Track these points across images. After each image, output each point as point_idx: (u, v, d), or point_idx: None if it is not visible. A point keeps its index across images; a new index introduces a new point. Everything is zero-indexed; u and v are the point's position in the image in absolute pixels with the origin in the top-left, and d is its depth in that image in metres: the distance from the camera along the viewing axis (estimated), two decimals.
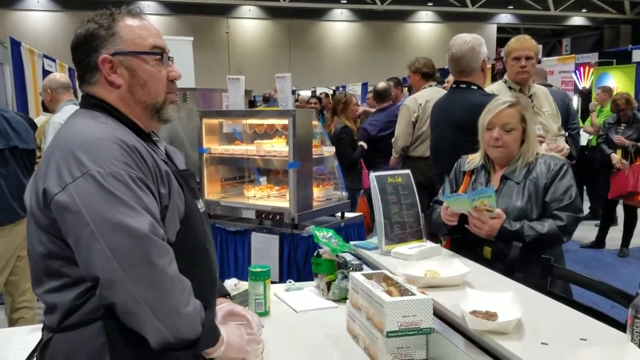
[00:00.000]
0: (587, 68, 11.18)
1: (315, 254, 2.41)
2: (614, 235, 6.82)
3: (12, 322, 3.62)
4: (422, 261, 2.18)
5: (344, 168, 4.55)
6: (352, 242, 2.55)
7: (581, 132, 7.90)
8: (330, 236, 2.39)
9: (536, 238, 2.33)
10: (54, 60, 8.46)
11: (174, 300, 1.35)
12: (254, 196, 3.98)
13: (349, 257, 2.31)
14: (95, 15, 1.49)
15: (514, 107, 2.47)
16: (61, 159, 1.35)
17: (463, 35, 3.36)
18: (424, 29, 25.92)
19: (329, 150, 4.09)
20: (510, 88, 3.54)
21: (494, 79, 9.66)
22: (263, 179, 4.23)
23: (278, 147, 3.78)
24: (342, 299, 2.20)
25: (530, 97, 3.55)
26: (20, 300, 3.66)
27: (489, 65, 11.09)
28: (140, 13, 1.55)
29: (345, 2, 24.00)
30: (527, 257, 2.32)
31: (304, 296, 2.33)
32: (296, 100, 9.86)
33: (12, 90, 6.63)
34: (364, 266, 2.26)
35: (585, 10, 24.90)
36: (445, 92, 4.46)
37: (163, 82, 1.53)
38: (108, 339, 1.37)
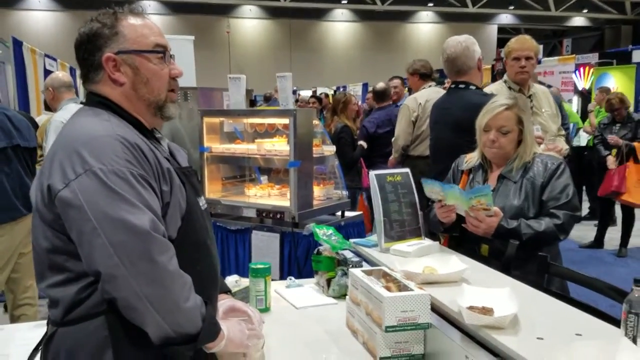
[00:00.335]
0: (587, 68, 11.20)
1: (315, 251, 2.44)
2: (613, 235, 6.83)
3: (14, 319, 3.65)
4: (421, 258, 2.20)
5: (344, 167, 4.58)
6: (351, 240, 2.57)
7: (580, 132, 7.94)
8: (331, 234, 2.42)
9: (533, 236, 2.35)
10: (55, 60, 8.48)
11: (175, 295, 1.37)
12: (255, 195, 4.00)
13: (348, 255, 2.33)
14: (98, 14, 1.52)
15: (511, 110, 2.49)
16: (65, 156, 1.38)
17: (455, 37, 3.41)
18: (424, 29, 25.95)
19: (329, 149, 4.12)
20: (510, 88, 3.56)
21: (494, 79, 9.68)
22: (264, 178, 4.25)
23: (279, 146, 3.81)
24: (342, 296, 2.23)
25: (529, 97, 3.57)
26: (22, 297, 3.69)
27: (488, 66, 11.15)
28: (143, 12, 1.57)
29: (345, 2, 24.03)
30: (524, 255, 2.34)
31: (304, 293, 2.36)
32: (297, 101, 9.90)
33: (14, 89, 6.66)
34: (364, 263, 2.28)
35: (586, 11, 24.92)
36: (444, 92, 4.50)
37: (165, 80, 1.56)
38: (110, 332, 1.39)
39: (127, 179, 1.36)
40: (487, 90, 3.53)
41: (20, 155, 3.56)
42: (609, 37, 26.03)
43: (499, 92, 3.35)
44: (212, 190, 4.11)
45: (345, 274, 2.24)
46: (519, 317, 1.60)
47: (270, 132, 4.07)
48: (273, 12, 23.91)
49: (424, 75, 4.94)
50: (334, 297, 2.28)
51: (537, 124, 3.46)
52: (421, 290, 1.70)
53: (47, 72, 7.52)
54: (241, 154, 3.97)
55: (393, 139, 4.85)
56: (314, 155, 3.82)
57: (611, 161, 6.21)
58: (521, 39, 3.62)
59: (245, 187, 4.14)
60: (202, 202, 1.65)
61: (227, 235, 3.89)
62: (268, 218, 3.78)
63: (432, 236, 2.72)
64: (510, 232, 2.36)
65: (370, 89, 10.79)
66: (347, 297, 2.00)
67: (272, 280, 2.28)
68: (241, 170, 4.37)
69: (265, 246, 3.72)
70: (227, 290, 1.87)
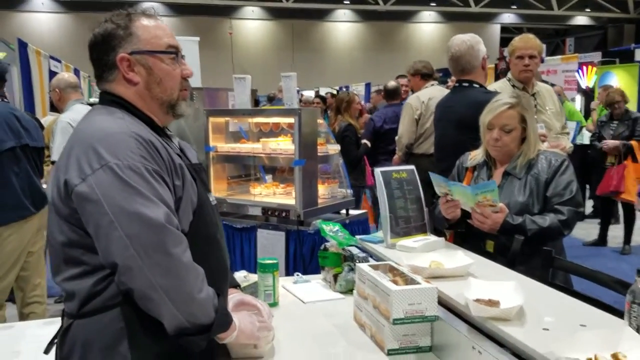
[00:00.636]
0: (590, 67, 11.21)
1: (322, 247, 2.47)
2: (616, 233, 6.86)
3: (23, 317, 3.69)
4: (427, 253, 2.23)
5: (348, 166, 4.62)
6: (358, 236, 2.60)
7: (584, 130, 7.95)
8: (337, 230, 2.45)
9: (538, 232, 2.38)
10: (59, 61, 8.53)
11: (188, 286, 1.41)
12: (260, 193, 4.04)
13: (355, 251, 2.36)
14: (112, 15, 1.56)
15: (514, 109, 2.51)
16: (81, 152, 1.42)
17: (460, 35, 3.43)
18: (426, 29, 25.96)
19: (333, 148, 4.16)
20: (513, 86, 3.59)
21: (497, 78, 9.70)
22: (268, 177, 4.29)
23: (283, 145, 3.84)
24: (349, 291, 2.26)
25: (533, 95, 3.60)
26: (31, 295, 3.73)
27: (491, 65, 11.15)
28: (155, 14, 1.61)
29: (348, 2, 24.06)
30: (529, 251, 2.37)
31: (311, 288, 2.39)
32: (300, 101, 9.92)
33: (20, 90, 6.71)
34: (370, 259, 2.31)
35: (588, 10, 24.90)
36: (446, 90, 4.53)
37: (177, 80, 1.60)
38: (126, 324, 1.43)
39: (142, 173, 1.40)
40: (490, 88, 3.55)
41: (28, 154, 3.60)
42: (611, 36, 25.99)
43: (502, 91, 3.38)
44: (218, 189, 4.14)
45: (352, 269, 2.27)
46: (524, 309, 1.62)
47: (275, 131, 4.11)
48: (275, 13, 23.95)
49: (425, 75, 4.98)
50: (341, 293, 2.31)
51: (541, 122, 3.49)
52: (428, 284, 1.73)
53: (52, 74, 7.56)
54: (246, 153, 4.01)
55: (397, 138, 4.88)
56: (319, 154, 3.85)
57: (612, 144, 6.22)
58: (525, 37, 3.64)
59: (251, 186, 4.17)
60: (211, 198, 1.69)
61: (233, 233, 3.93)
62: (273, 216, 3.82)
63: (437, 233, 2.75)
64: (516, 228, 2.38)
65: (374, 88, 10.82)
66: (354, 291, 2.03)
67: (280, 278, 2.31)
68: (246, 170, 4.41)
69: (270, 244, 3.76)
70: (236, 285, 1.91)
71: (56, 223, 1.47)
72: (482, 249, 2.52)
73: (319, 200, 3.85)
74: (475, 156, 2.74)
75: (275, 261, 2.20)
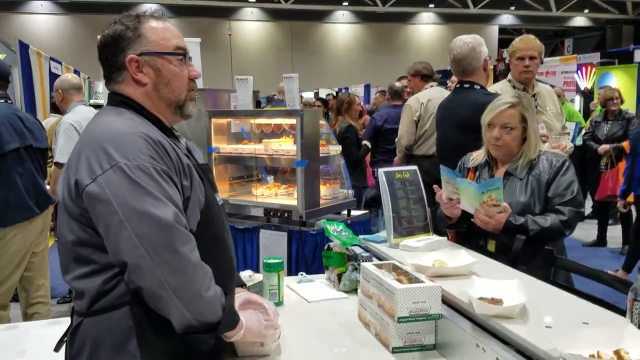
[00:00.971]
0: (589, 68, 11.24)
1: (325, 247, 2.50)
2: (615, 233, 6.89)
3: (27, 317, 3.70)
4: (430, 252, 2.25)
5: (349, 166, 4.65)
6: (361, 236, 2.63)
7: (583, 131, 7.98)
8: (341, 229, 2.47)
9: (539, 232, 2.40)
10: (60, 63, 8.53)
11: (196, 285, 1.43)
12: (262, 194, 4.06)
13: (358, 250, 2.38)
14: (121, 17, 1.58)
15: (515, 108, 2.54)
16: (91, 152, 1.44)
17: (463, 36, 3.45)
18: (425, 30, 25.98)
19: (335, 149, 4.18)
20: (514, 87, 3.61)
21: (496, 79, 9.72)
22: (270, 178, 4.31)
23: (285, 146, 3.86)
24: (353, 290, 2.28)
25: (534, 96, 3.62)
26: (35, 296, 3.75)
27: (490, 66, 11.18)
28: (164, 16, 1.63)
29: (346, 4, 24.07)
30: (530, 250, 2.39)
31: (315, 287, 2.41)
32: (300, 102, 9.92)
33: (21, 92, 6.72)
34: (374, 258, 2.33)
35: (587, 11, 24.93)
36: (446, 91, 4.55)
37: (185, 81, 1.62)
38: (135, 322, 1.45)
39: (151, 174, 1.42)
40: (491, 89, 3.58)
41: (32, 155, 3.62)
42: (610, 37, 26.03)
43: (503, 92, 3.40)
44: (220, 190, 4.10)
45: (355, 269, 2.29)
46: (527, 307, 1.65)
47: (276, 132, 4.13)
48: (274, 14, 23.96)
49: (425, 76, 5.00)
50: (345, 292, 2.33)
51: (542, 123, 3.51)
52: (432, 282, 1.76)
53: (52, 75, 7.57)
54: (248, 154, 4.03)
55: (396, 140, 4.90)
56: (320, 155, 3.87)
57: (605, 149, 6.25)
58: (525, 38, 3.67)
59: (253, 186, 4.19)
60: (218, 198, 1.71)
61: (235, 234, 3.94)
62: (275, 217, 3.84)
63: (439, 234, 2.78)
64: (518, 228, 2.41)
65: (374, 89, 10.84)
66: (358, 290, 2.05)
67: (285, 277, 2.33)
68: (248, 170, 4.43)
69: (273, 245, 3.78)
70: (242, 284, 1.93)
71: (66, 222, 1.49)
72: (483, 248, 2.55)
73: (321, 201, 3.87)
74: (477, 157, 2.76)
75: (280, 260, 2.22)
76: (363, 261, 2.23)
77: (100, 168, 1.41)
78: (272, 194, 4.05)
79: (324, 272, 2.52)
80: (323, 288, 2.41)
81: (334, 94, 11.79)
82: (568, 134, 3.89)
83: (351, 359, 1.79)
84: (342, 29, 25.37)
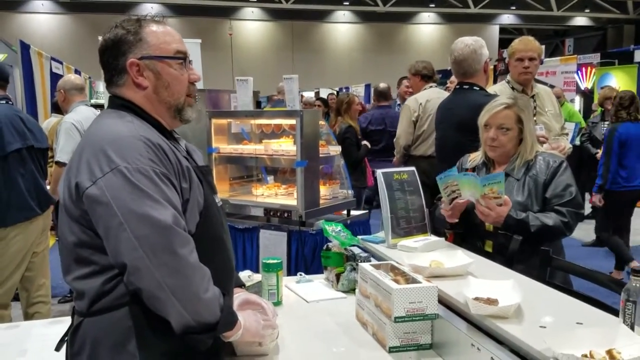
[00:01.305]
0: (589, 68, 11.25)
1: (324, 247, 2.52)
2: None
3: (28, 317, 3.73)
4: (427, 253, 2.27)
5: (349, 167, 4.67)
6: (359, 236, 2.65)
7: (583, 131, 7.99)
8: (339, 230, 2.50)
9: (541, 228, 2.40)
10: (61, 63, 8.55)
11: (195, 286, 1.45)
12: (262, 194, 4.08)
13: (357, 250, 2.40)
14: (122, 21, 1.60)
15: (511, 109, 2.56)
16: (92, 155, 1.46)
17: (464, 38, 3.47)
18: (426, 30, 25.99)
19: (335, 149, 4.20)
20: (513, 89, 3.63)
21: (496, 79, 9.73)
22: (270, 178, 4.33)
23: (285, 147, 3.88)
24: (351, 290, 2.30)
25: (532, 97, 3.64)
26: (36, 295, 3.77)
27: (491, 66, 11.19)
28: (164, 20, 1.65)
29: (347, 3, 24.08)
30: (528, 249, 2.41)
31: (314, 287, 2.44)
32: (300, 102, 9.93)
33: (22, 92, 6.74)
34: (372, 258, 2.35)
35: (588, 11, 24.92)
36: (445, 92, 4.57)
37: (185, 84, 1.64)
38: (134, 322, 1.47)
39: (151, 176, 1.44)
40: (490, 90, 3.60)
41: (34, 156, 3.64)
42: (611, 37, 26.03)
43: (502, 93, 3.42)
44: (220, 190, 4.15)
45: (354, 269, 2.31)
46: (522, 307, 1.66)
47: (276, 133, 4.15)
48: (275, 14, 23.98)
49: (425, 76, 5.02)
50: (343, 292, 2.36)
51: (541, 124, 3.53)
52: (429, 283, 1.78)
53: (53, 75, 7.60)
54: (248, 154, 4.05)
55: (394, 140, 4.93)
56: (320, 155, 3.89)
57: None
58: (525, 40, 3.68)
59: (253, 187, 4.21)
60: (217, 199, 1.73)
61: (235, 234, 3.96)
62: (275, 217, 3.86)
63: (437, 234, 2.79)
64: (519, 223, 2.40)
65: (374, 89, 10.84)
66: (356, 290, 2.07)
67: (284, 278, 2.35)
68: (248, 171, 4.45)
69: (272, 244, 3.80)
70: (241, 285, 1.95)
71: (67, 224, 1.51)
72: (481, 249, 2.57)
73: (321, 201, 3.89)
74: (474, 158, 2.78)
75: (279, 261, 2.24)
76: (361, 261, 2.25)
77: (100, 171, 1.43)
78: (272, 194, 4.07)
79: (323, 272, 2.54)
80: (321, 288, 2.43)
81: (336, 93, 11.80)
82: (567, 134, 3.90)
83: (349, 359, 1.81)
84: (342, 28, 25.38)
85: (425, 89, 4.92)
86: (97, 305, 1.49)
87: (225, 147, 4.16)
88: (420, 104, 4.67)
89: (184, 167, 1.56)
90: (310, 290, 2.39)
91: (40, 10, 21.77)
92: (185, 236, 1.47)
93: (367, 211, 4.47)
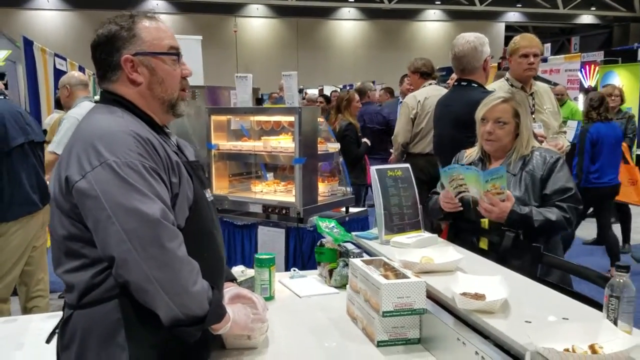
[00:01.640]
0: (592, 66, 11.20)
1: (318, 243, 2.53)
2: (616, 232, 6.87)
3: (26, 311, 3.76)
4: (419, 249, 2.28)
5: (348, 164, 4.67)
6: (353, 233, 2.66)
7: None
8: (333, 226, 2.51)
9: (544, 223, 2.41)
10: (64, 59, 8.58)
11: (183, 279, 1.47)
12: (261, 191, 4.09)
13: (350, 247, 2.42)
14: (115, 17, 1.62)
15: (508, 103, 2.57)
16: (81, 150, 1.48)
17: (466, 34, 3.46)
18: (431, 27, 25.96)
19: (333, 146, 4.20)
20: (512, 86, 3.63)
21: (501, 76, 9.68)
22: (270, 175, 4.34)
23: (284, 144, 3.90)
24: (343, 286, 2.31)
25: (531, 94, 3.64)
26: (35, 290, 3.80)
27: (495, 64, 11.17)
28: (156, 16, 1.67)
29: (352, 0, 24.08)
30: (522, 246, 2.42)
31: (307, 283, 2.45)
32: (303, 99, 9.95)
33: (25, 88, 6.77)
34: (365, 255, 2.37)
35: (594, 8, 24.83)
36: (444, 89, 4.58)
37: (178, 80, 1.66)
38: (123, 315, 1.49)
39: (140, 171, 1.46)
40: (489, 88, 3.60)
41: (34, 150, 3.67)
42: (617, 35, 25.91)
43: (500, 90, 3.42)
44: (219, 186, 4.20)
45: (346, 265, 2.33)
46: (509, 302, 1.68)
47: (276, 129, 4.16)
48: (280, 11, 24.00)
49: (424, 73, 5.02)
50: (336, 287, 2.37)
51: (539, 122, 3.53)
52: (417, 278, 1.79)
53: (57, 71, 7.63)
54: (248, 151, 4.06)
55: (393, 137, 4.94)
56: (319, 152, 3.90)
57: None
58: (527, 36, 3.69)
59: (252, 183, 4.22)
60: (208, 194, 1.74)
61: (234, 230, 3.98)
62: (274, 214, 3.87)
63: (431, 230, 2.80)
64: (523, 218, 2.40)
65: (378, 87, 10.84)
66: (347, 286, 2.09)
67: (278, 273, 2.37)
68: (247, 167, 4.46)
69: (271, 241, 3.81)
70: (233, 279, 1.97)
71: (57, 217, 1.54)
72: (475, 246, 2.57)
73: (319, 198, 3.90)
74: (470, 153, 2.79)
75: (271, 256, 2.26)
76: (353, 257, 2.27)
77: (89, 165, 1.44)
78: (271, 191, 4.08)
79: None
80: (315, 283, 2.45)
81: (339, 91, 11.81)
82: (565, 132, 3.90)
83: (339, 353, 1.82)
84: (347, 25, 25.38)
85: (424, 86, 4.93)
86: (86, 298, 1.51)
87: (225, 144, 4.17)
88: (419, 101, 4.68)
89: (174, 162, 1.58)
90: (304, 286, 2.40)
91: (46, 6, 21.86)
92: (174, 230, 1.49)
93: (365, 208, 4.48)
